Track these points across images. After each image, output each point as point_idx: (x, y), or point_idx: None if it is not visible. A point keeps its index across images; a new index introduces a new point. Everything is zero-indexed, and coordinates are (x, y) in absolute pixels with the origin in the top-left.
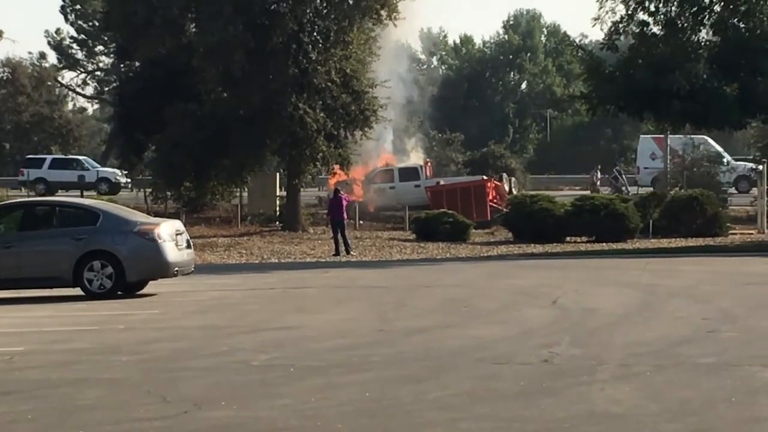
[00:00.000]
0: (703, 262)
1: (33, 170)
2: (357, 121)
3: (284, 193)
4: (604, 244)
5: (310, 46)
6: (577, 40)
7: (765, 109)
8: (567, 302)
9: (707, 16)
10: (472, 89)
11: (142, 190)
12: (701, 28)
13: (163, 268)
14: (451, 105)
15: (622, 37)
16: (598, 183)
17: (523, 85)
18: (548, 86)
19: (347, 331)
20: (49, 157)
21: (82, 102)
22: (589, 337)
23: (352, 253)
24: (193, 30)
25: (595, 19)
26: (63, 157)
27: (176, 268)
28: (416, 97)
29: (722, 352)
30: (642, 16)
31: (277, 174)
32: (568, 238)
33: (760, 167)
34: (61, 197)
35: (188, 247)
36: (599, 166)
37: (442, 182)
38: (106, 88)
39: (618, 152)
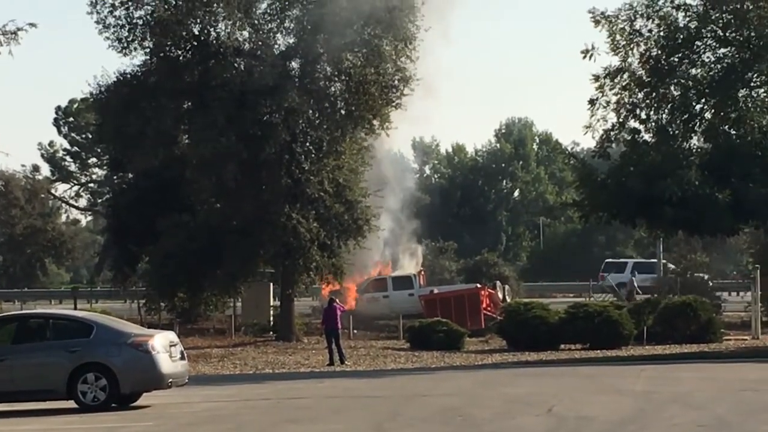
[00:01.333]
0: (698, 368)
1: None
2: (350, 231)
3: (278, 303)
4: (598, 351)
5: (303, 157)
6: (568, 148)
7: (757, 215)
8: (562, 410)
9: (698, 123)
10: (465, 197)
11: (135, 301)
12: (692, 135)
13: (157, 380)
14: (444, 213)
15: (613, 145)
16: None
17: (516, 193)
18: (541, 194)
19: None
20: None
21: (75, 214)
22: None
23: (346, 362)
24: (186, 141)
25: (587, 127)
26: None
27: (170, 380)
28: (409, 206)
29: None
30: (633, 123)
31: (271, 284)
32: (562, 346)
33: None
34: (54, 310)
35: (182, 358)
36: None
37: (435, 291)
38: (100, 200)
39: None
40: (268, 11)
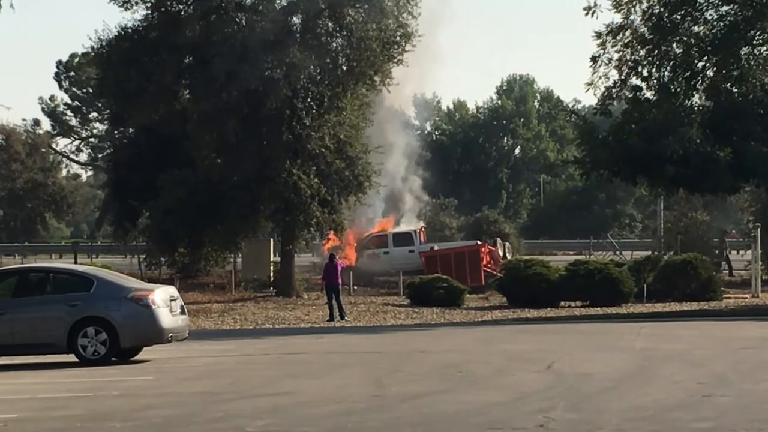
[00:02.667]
0: (698, 326)
1: None
2: (351, 187)
3: (278, 259)
4: (598, 308)
5: (304, 112)
6: (570, 106)
7: (758, 174)
8: (562, 367)
9: (700, 81)
10: (466, 154)
11: (136, 256)
12: (694, 93)
13: (157, 334)
14: (444, 170)
15: (615, 102)
16: None
17: (517, 150)
18: (542, 151)
19: (342, 397)
20: None
21: (76, 169)
22: (585, 402)
23: (346, 318)
24: (187, 96)
25: (589, 85)
26: None
27: (170, 334)
28: (409, 162)
29: (718, 416)
30: (635, 81)
31: (271, 240)
32: (562, 303)
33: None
34: (55, 264)
35: (182, 313)
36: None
37: (436, 247)
38: (100, 155)
39: (611, 217)
40: None
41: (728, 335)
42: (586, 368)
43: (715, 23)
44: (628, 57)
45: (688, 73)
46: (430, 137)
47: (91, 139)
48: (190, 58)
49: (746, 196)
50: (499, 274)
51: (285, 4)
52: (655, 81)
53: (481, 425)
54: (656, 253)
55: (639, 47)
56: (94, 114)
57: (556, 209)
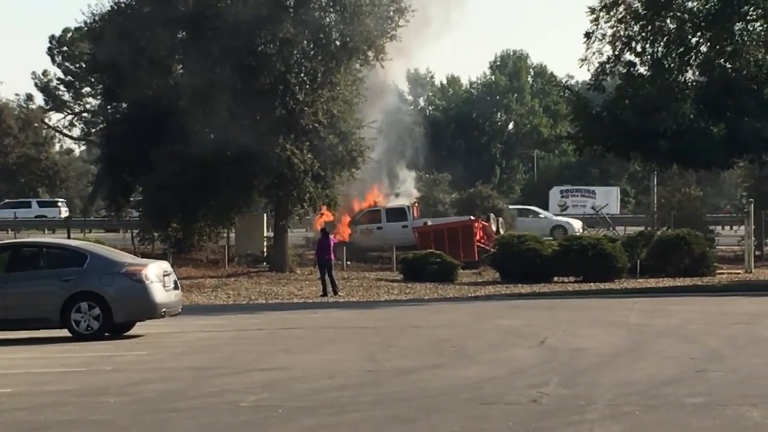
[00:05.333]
0: (691, 301)
1: None
2: (344, 162)
3: (271, 234)
4: (591, 284)
5: (298, 87)
6: (563, 81)
7: (751, 149)
8: (555, 342)
9: (694, 57)
10: (459, 130)
11: (129, 231)
12: (688, 68)
13: (150, 309)
14: (438, 145)
15: (608, 78)
16: None
17: (510, 126)
18: (535, 127)
19: (335, 372)
20: None
21: (69, 143)
22: (578, 377)
23: (339, 293)
24: (180, 71)
25: (582, 60)
26: None
27: (164, 309)
28: (403, 137)
29: (711, 391)
30: (629, 56)
31: (265, 215)
32: (555, 278)
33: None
34: (48, 239)
35: (176, 288)
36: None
37: (429, 223)
38: (93, 130)
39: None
40: None
41: (721, 311)
42: (579, 343)
43: None
44: (621, 32)
45: (681, 49)
46: (424, 112)
47: (84, 114)
48: (184, 33)
49: (740, 171)
50: (492, 250)
51: None
52: (648, 56)
53: (474, 400)
54: (649, 228)
55: (633, 23)
56: (87, 89)
57: (549, 184)
